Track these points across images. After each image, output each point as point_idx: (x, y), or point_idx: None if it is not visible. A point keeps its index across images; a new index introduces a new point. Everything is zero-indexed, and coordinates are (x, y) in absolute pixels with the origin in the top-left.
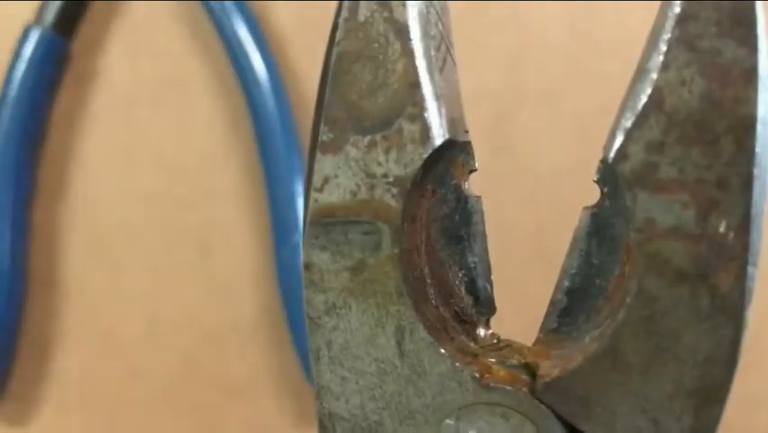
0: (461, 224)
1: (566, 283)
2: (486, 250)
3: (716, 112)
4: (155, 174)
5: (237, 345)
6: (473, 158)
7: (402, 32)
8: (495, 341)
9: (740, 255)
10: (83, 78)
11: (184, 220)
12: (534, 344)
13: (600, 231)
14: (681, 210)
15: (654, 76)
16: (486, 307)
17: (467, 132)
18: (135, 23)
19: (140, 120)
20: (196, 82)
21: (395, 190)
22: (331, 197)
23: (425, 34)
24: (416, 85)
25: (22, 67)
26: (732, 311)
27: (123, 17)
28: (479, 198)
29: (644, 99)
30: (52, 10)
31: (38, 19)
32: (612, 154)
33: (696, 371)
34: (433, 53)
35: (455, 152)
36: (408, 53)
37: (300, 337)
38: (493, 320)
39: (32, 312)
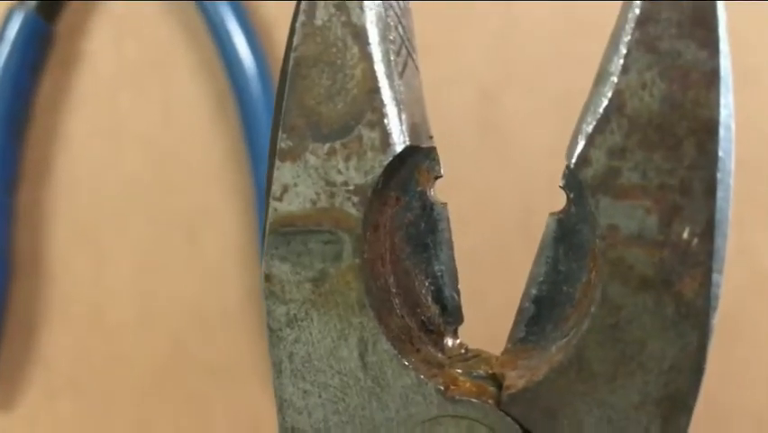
0: (426, 231)
1: (533, 291)
2: (452, 258)
3: (677, 115)
4: (140, 157)
5: (225, 329)
6: (438, 164)
7: (360, 36)
8: (463, 351)
9: (704, 262)
10: (67, 61)
11: (170, 204)
12: (503, 353)
13: (567, 237)
14: (644, 216)
15: (615, 79)
16: (453, 316)
17: (431, 137)
18: (119, 5)
19: (124, 103)
20: (180, 65)
21: (355, 199)
22: (290, 206)
23: (384, 38)
24: (375, 90)
25: (5, 49)
26: (697, 318)
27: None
28: (444, 204)
29: (605, 102)
30: None
31: (21, 1)
32: (574, 160)
33: (662, 379)
34: (392, 57)
35: (418, 159)
36: (367, 58)
37: None
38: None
39: (18, 296)
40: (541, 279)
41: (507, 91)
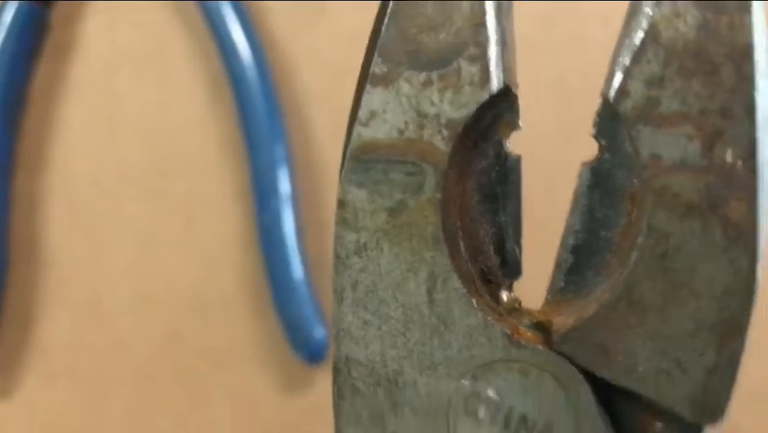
0: (497, 181)
1: (571, 241)
2: (519, 212)
3: (713, 41)
4: (136, 143)
5: (222, 314)
6: (518, 116)
7: None
8: (516, 306)
9: (750, 184)
10: (63, 48)
11: (166, 189)
12: (544, 305)
13: (601, 184)
14: (686, 143)
15: (649, 10)
16: (512, 269)
17: (518, 86)
18: None
19: (120, 89)
20: (176, 51)
21: (445, 133)
22: (376, 132)
23: None
24: (481, 24)
25: (0, 36)
26: (746, 241)
27: None
28: (519, 157)
29: (640, 35)
30: None
31: None
32: (613, 93)
33: (714, 304)
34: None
35: (505, 106)
36: None
37: (283, 306)
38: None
39: (16, 284)
40: (577, 228)
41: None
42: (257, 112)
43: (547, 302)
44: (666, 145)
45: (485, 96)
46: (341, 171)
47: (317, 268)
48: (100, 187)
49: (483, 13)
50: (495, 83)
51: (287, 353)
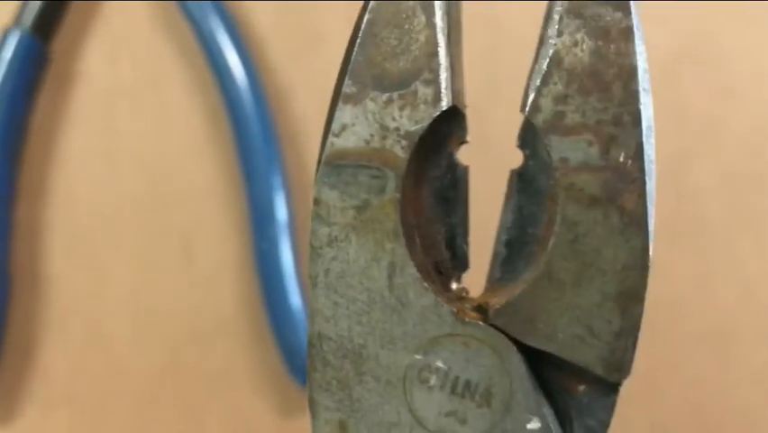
0: (448, 187)
1: (504, 237)
2: (467, 215)
3: (604, 64)
4: (135, 173)
5: (220, 340)
6: (466, 131)
7: (428, 9)
8: (463, 294)
9: (639, 178)
10: (63, 80)
11: (165, 218)
12: (483, 292)
13: (527, 187)
14: (587, 147)
15: (553, 41)
16: (461, 263)
17: (466, 106)
18: (114, 24)
19: (119, 120)
20: (174, 82)
21: (404, 143)
22: (346, 142)
23: (445, 14)
24: (434, 54)
25: (1, 70)
26: (639, 225)
27: (101, 19)
28: (466, 168)
29: (547, 61)
30: (31, 12)
31: (17, 21)
32: (528, 108)
33: (616, 278)
34: (449, 32)
35: (454, 121)
36: (431, 26)
37: (281, 332)
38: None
39: (17, 312)
40: (509, 225)
41: (495, 107)
42: (254, 141)
43: (486, 289)
44: (572, 150)
45: (436, 113)
46: (316, 175)
47: None
48: (100, 216)
49: (436, 44)
50: (444, 102)
51: (284, 377)
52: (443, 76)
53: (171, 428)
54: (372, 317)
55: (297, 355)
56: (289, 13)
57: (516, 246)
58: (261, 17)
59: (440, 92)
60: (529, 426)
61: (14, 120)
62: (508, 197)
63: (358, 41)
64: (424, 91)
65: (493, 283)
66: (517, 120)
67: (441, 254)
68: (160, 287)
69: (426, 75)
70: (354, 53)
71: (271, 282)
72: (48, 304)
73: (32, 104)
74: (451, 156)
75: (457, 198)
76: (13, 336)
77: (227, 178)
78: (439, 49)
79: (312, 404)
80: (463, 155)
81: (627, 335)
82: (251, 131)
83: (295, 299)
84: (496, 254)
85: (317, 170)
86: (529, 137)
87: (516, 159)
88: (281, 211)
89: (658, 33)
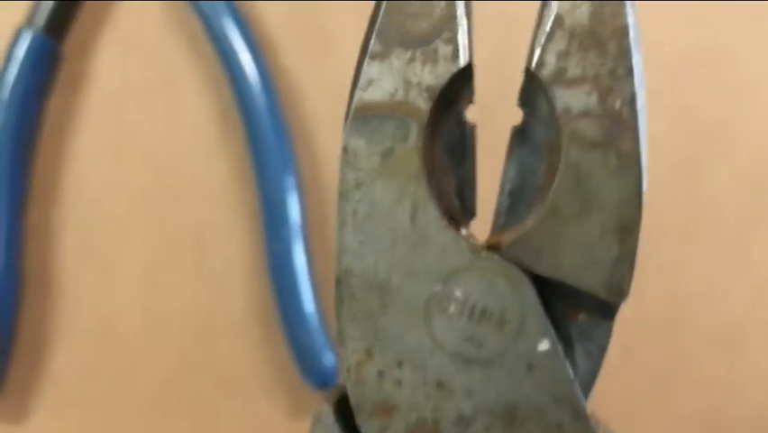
0: (457, 142)
1: (507, 186)
2: (474, 169)
3: (601, 24)
4: (147, 172)
5: (231, 341)
6: (474, 92)
7: None
8: (472, 239)
9: (633, 124)
10: (75, 80)
11: (177, 217)
12: (490, 235)
13: (527, 140)
14: (587, 97)
15: (555, 6)
16: (469, 211)
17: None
18: (125, 24)
19: (131, 120)
20: (186, 81)
21: (425, 95)
22: (373, 95)
23: None
24: (453, 17)
25: (14, 69)
26: (634, 166)
27: (113, 19)
28: (474, 126)
29: (550, 22)
30: (43, 12)
31: (29, 21)
32: (534, 64)
33: (615, 213)
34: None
35: (465, 82)
36: None
37: (293, 334)
38: None
39: (28, 312)
40: (512, 177)
41: (506, 108)
42: (266, 141)
43: (492, 233)
44: (574, 100)
45: (456, 69)
46: (345, 126)
47: (327, 296)
48: (111, 215)
49: (455, 9)
50: (462, 60)
51: (296, 379)
52: (462, 36)
53: (182, 427)
54: (396, 252)
55: (309, 357)
56: (302, 13)
57: (518, 195)
58: (273, 16)
59: (458, 50)
60: (539, 347)
61: (27, 119)
62: (510, 151)
63: (384, 5)
64: (444, 49)
65: (498, 228)
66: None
67: (451, 202)
68: (171, 287)
69: (446, 34)
70: (380, 15)
71: (284, 284)
72: (59, 304)
73: (44, 103)
74: (460, 114)
75: (465, 153)
76: (24, 337)
77: (239, 177)
78: (457, 12)
79: (340, 335)
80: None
81: (625, 261)
82: (263, 131)
83: (308, 300)
84: (500, 203)
85: (345, 121)
86: (529, 95)
87: (517, 118)
88: (294, 212)
89: (668, 37)
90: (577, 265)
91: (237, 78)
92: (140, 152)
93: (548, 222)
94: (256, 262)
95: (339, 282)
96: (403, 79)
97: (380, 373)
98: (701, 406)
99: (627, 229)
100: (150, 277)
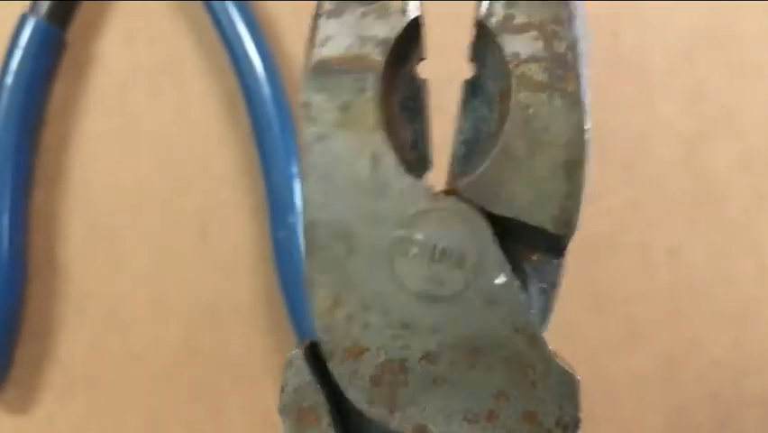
0: (411, 97)
1: (461, 137)
2: (428, 123)
3: None
4: (153, 158)
5: (237, 325)
6: (423, 48)
7: None
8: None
9: (575, 66)
10: (79, 66)
11: (182, 203)
12: (448, 182)
13: (478, 92)
14: (533, 42)
15: None
16: (423, 164)
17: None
18: (129, 10)
19: (136, 105)
20: (190, 67)
21: (380, 48)
22: (330, 51)
23: None
24: None
25: (18, 56)
26: (578, 105)
27: (117, 5)
28: (425, 80)
29: None
30: (47, 0)
31: (33, 9)
32: (483, 12)
33: (562, 149)
34: None
35: (415, 40)
36: None
37: (298, 320)
38: None
39: (33, 297)
40: (465, 127)
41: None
42: (271, 127)
43: (449, 182)
44: (521, 45)
45: (407, 20)
46: (303, 82)
47: None
48: (117, 201)
49: None
50: (413, 12)
51: None
52: None
53: (187, 412)
54: (358, 201)
55: None
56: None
57: (472, 144)
58: (279, 3)
59: (407, 5)
60: (497, 281)
61: (31, 106)
62: (463, 103)
63: None
64: (395, 4)
65: (455, 175)
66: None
67: (408, 155)
68: (177, 272)
69: None
70: None
71: (289, 271)
72: (65, 290)
73: (49, 90)
74: (412, 70)
75: (418, 107)
76: (30, 323)
77: (245, 163)
78: None
79: (309, 285)
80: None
81: (573, 196)
82: (267, 118)
83: None
84: (455, 153)
85: (304, 78)
86: (479, 49)
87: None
88: (299, 199)
89: (675, 17)
90: (529, 202)
91: (241, 65)
92: (145, 137)
93: (501, 163)
94: (261, 247)
95: (306, 235)
96: (357, 34)
97: (349, 318)
98: (707, 388)
99: (574, 165)
100: (156, 262)
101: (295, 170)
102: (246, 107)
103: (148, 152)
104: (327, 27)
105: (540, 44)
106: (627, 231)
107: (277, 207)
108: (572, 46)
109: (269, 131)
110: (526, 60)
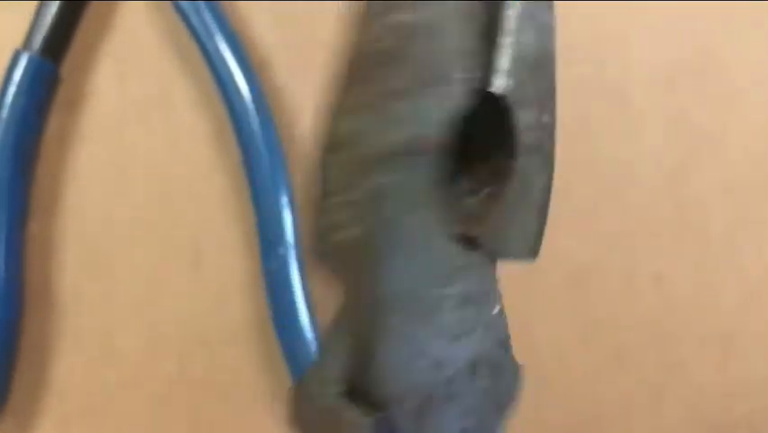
0: None
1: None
2: None
3: (543, 53)
4: (146, 189)
5: (229, 352)
6: None
7: None
8: None
9: (553, 133)
10: (73, 100)
11: (175, 232)
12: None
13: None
14: (530, 117)
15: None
16: None
17: None
18: (122, 45)
19: (129, 138)
20: (182, 100)
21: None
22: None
23: None
24: None
25: (12, 91)
26: (551, 162)
27: (110, 40)
28: None
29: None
30: (41, 35)
31: (27, 44)
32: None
33: (539, 194)
34: None
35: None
36: None
37: (290, 351)
38: None
39: (30, 326)
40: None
41: None
42: (261, 158)
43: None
44: (522, 118)
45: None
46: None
47: (321, 310)
48: (111, 231)
49: None
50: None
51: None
52: None
53: None
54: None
55: (304, 369)
56: (295, 31)
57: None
58: (266, 36)
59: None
60: (494, 312)
61: (26, 139)
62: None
63: None
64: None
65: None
66: None
67: None
68: (170, 299)
69: None
70: None
71: (280, 300)
72: (61, 319)
73: (43, 123)
74: None
75: None
76: (26, 352)
77: (236, 192)
78: None
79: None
80: None
81: (541, 231)
82: (257, 150)
83: (304, 318)
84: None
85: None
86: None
87: None
88: (289, 231)
89: (658, 45)
90: (514, 239)
91: (231, 98)
92: (138, 169)
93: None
94: (253, 276)
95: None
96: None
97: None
98: (694, 411)
99: (543, 207)
100: (151, 289)
101: (285, 201)
102: (236, 139)
103: (141, 184)
104: (399, 108)
105: (534, 117)
106: (613, 257)
107: (267, 239)
108: (553, 116)
109: (258, 162)
110: (526, 131)
